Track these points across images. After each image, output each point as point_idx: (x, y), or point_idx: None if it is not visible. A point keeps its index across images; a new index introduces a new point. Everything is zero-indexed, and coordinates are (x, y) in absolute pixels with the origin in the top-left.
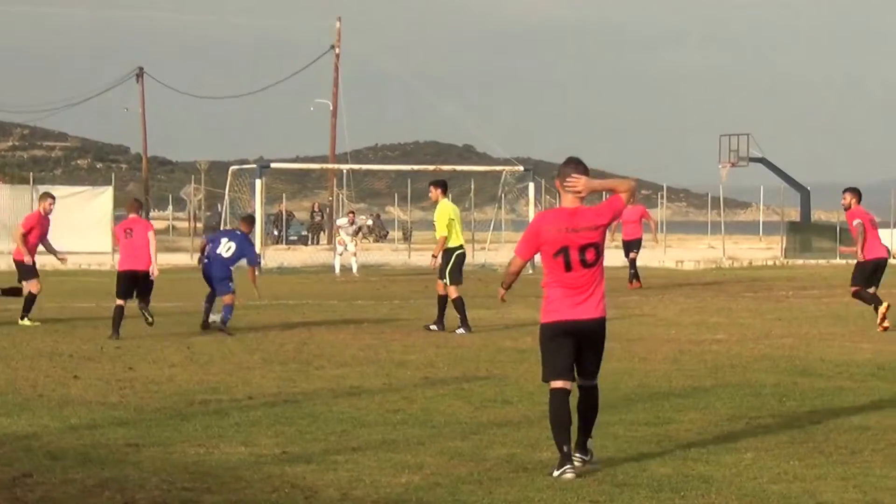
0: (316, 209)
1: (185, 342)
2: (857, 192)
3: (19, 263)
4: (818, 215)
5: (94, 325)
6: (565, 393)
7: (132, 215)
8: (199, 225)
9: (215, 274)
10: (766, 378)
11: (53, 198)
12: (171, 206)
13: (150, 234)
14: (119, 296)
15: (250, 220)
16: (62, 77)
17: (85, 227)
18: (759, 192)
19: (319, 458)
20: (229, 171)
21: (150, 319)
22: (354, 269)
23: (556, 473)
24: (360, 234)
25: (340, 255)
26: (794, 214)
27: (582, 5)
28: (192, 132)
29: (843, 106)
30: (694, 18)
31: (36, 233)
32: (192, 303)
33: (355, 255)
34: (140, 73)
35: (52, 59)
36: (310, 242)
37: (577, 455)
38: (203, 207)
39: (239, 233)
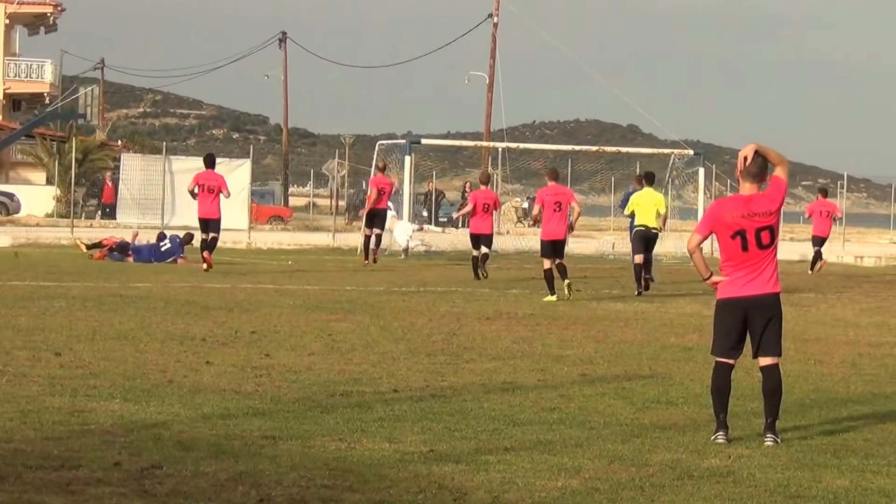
0: (467, 189)
1: (326, 329)
2: None
3: None
4: None
5: (228, 307)
6: (728, 367)
7: (484, 187)
8: (342, 203)
9: None
10: None
11: None
12: (311, 182)
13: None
14: (475, 248)
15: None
16: (198, 40)
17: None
18: None
19: (469, 458)
20: (376, 147)
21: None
22: None
23: (711, 438)
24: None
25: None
26: None
27: None
28: (336, 103)
29: None
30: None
31: None
32: (332, 287)
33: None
34: (283, 39)
35: (188, 20)
36: (459, 225)
37: (769, 436)
38: (346, 184)
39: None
